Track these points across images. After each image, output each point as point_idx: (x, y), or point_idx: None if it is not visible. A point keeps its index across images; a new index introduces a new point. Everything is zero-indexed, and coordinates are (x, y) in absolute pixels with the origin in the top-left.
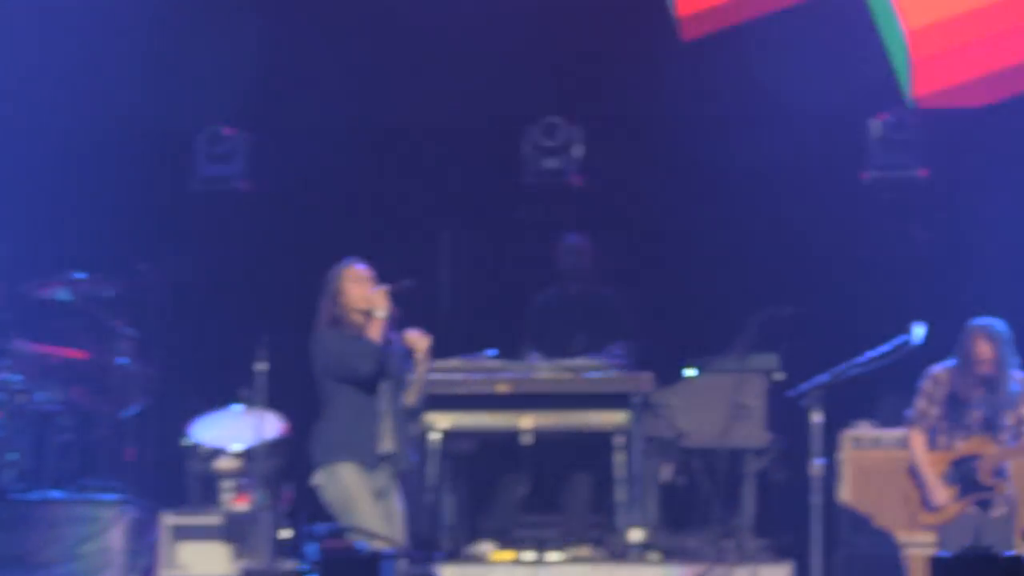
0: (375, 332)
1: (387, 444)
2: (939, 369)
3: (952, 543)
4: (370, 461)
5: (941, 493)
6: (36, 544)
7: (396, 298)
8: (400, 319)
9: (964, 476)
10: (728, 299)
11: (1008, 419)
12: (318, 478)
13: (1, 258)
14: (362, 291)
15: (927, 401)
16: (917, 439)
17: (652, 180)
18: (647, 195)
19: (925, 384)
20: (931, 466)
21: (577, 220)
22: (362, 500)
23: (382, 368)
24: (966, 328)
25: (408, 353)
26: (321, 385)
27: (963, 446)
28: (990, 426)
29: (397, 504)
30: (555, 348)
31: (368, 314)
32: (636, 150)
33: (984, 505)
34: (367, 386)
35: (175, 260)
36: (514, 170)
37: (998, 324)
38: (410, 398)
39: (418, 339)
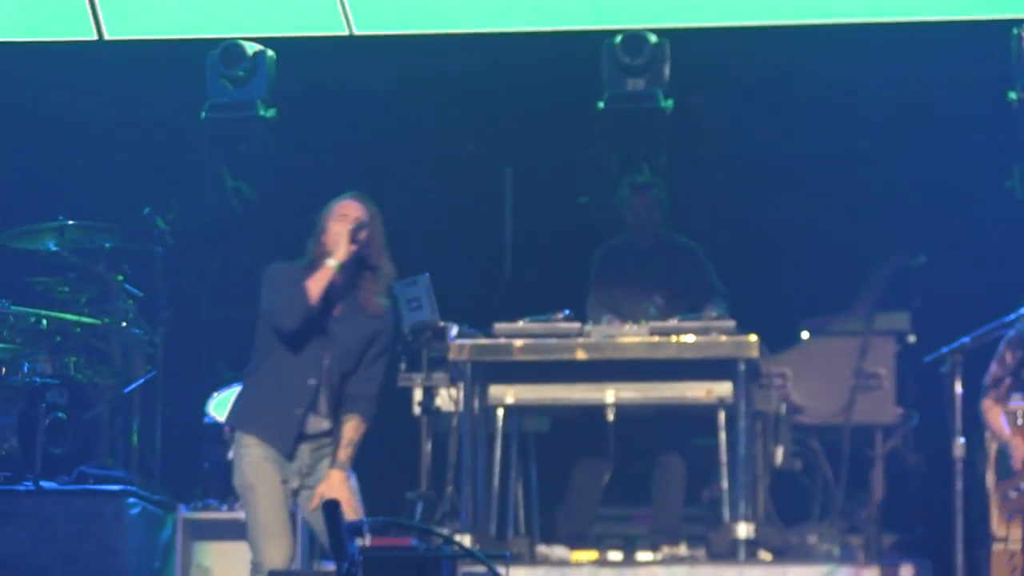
0: (316, 284)
1: (315, 423)
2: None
3: None
4: (285, 446)
5: None
6: (26, 545)
7: (362, 249)
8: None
9: None
10: (850, 247)
11: None
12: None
13: None
14: (341, 230)
15: (1000, 366)
16: (993, 408)
17: (753, 103)
18: (747, 122)
19: (1002, 348)
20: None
21: (667, 152)
22: (260, 492)
23: (307, 333)
24: None
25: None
26: (258, 326)
27: None
28: None
29: (326, 476)
30: (626, 310)
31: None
32: (735, 67)
33: None
34: (291, 346)
35: (186, 202)
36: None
37: None
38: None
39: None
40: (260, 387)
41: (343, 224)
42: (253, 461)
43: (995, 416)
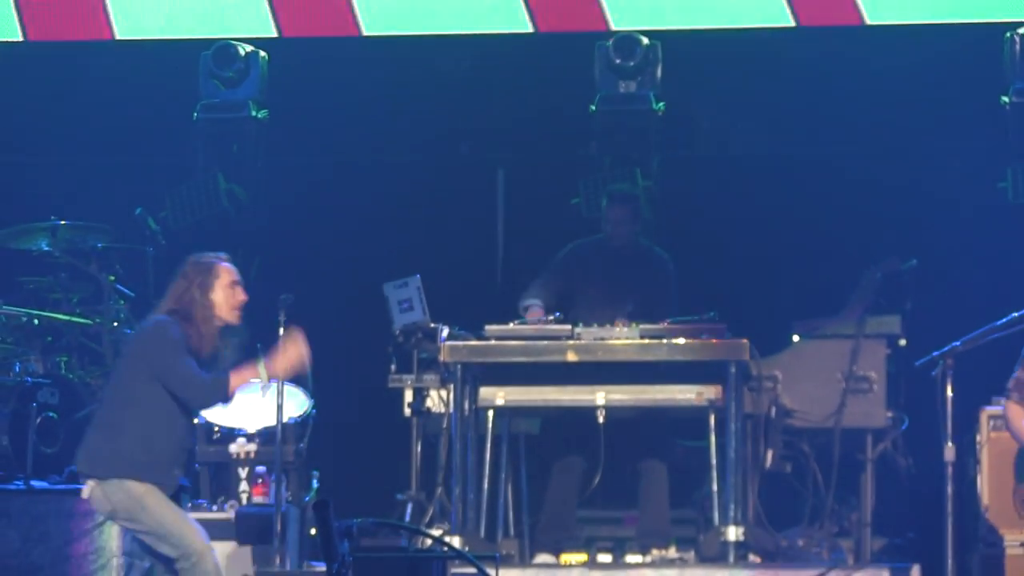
0: (237, 383)
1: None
2: None
3: None
4: (173, 489)
5: None
6: (17, 544)
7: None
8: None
9: None
10: (841, 250)
11: None
12: (99, 491)
13: None
14: (236, 301)
15: None
16: (1015, 411)
17: (745, 106)
18: (739, 125)
19: None
20: None
21: (658, 155)
22: (154, 496)
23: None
24: None
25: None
26: (138, 383)
27: None
28: None
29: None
30: (597, 311)
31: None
32: (723, 71)
33: None
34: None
35: (179, 204)
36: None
37: None
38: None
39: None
40: (146, 440)
41: (237, 291)
42: (145, 490)
43: (1017, 418)
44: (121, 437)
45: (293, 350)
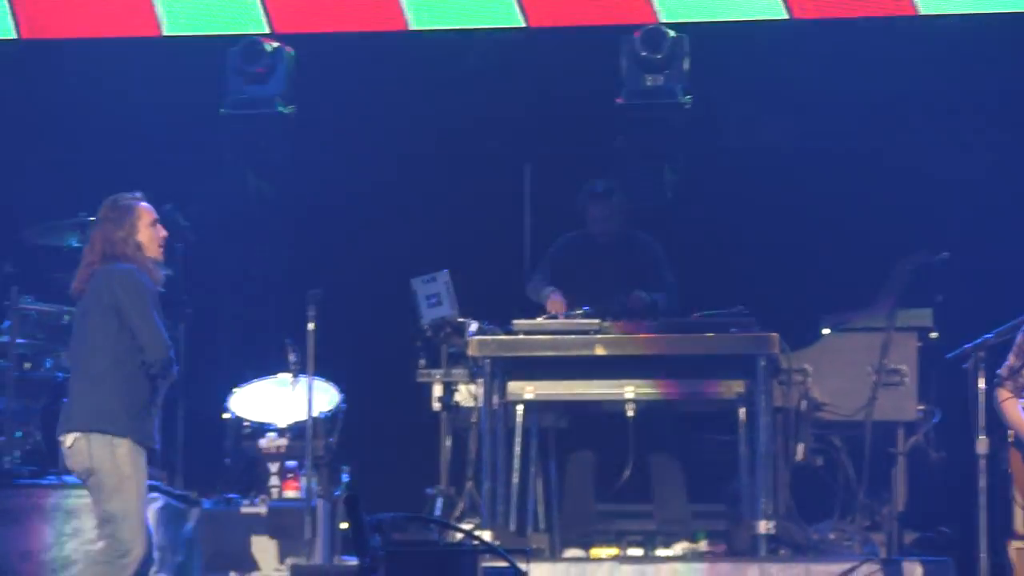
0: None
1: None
2: None
3: None
4: (149, 441)
5: None
6: (51, 539)
7: None
8: None
9: None
10: (872, 243)
11: None
12: (83, 443)
13: None
14: (160, 239)
15: (1017, 357)
16: (1006, 398)
17: (773, 99)
18: (766, 118)
19: (1020, 338)
20: None
21: (686, 148)
22: (137, 483)
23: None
24: None
25: None
26: (106, 329)
27: None
28: None
29: None
30: (582, 302)
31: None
32: (755, 62)
33: None
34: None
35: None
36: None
37: None
38: None
39: None
40: (123, 390)
41: (158, 228)
42: (130, 456)
43: (1012, 407)
44: (101, 387)
45: None
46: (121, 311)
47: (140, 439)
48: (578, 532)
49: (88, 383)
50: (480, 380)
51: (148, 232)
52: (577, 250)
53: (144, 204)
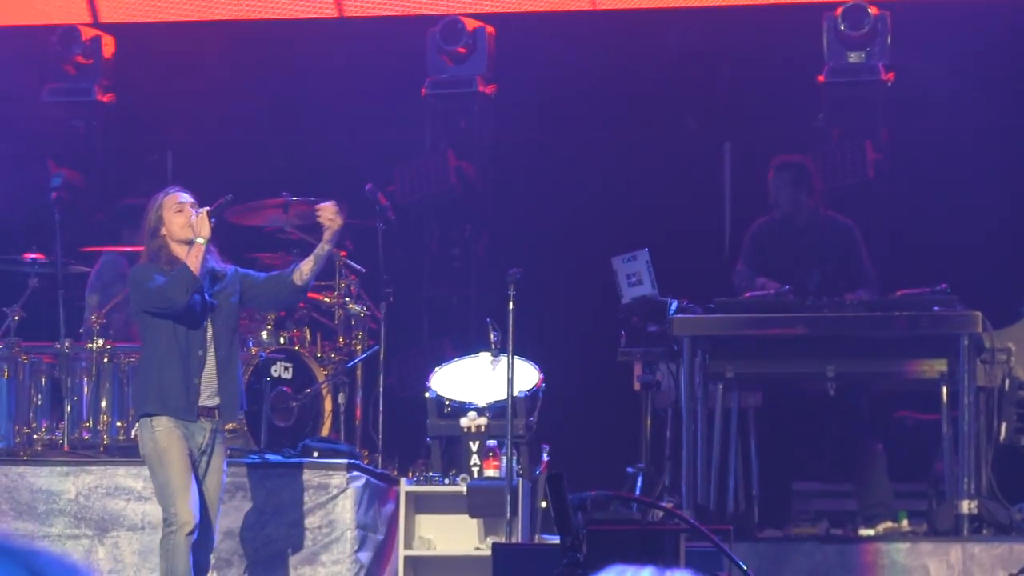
0: (194, 260)
1: (208, 397)
2: None
3: None
4: (187, 415)
5: None
6: (253, 517)
7: (218, 216)
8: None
9: None
10: None
11: None
12: (136, 431)
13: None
14: (184, 220)
15: None
16: None
17: (978, 77)
18: (969, 95)
19: None
20: None
21: (887, 126)
22: (173, 455)
23: (201, 300)
24: None
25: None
26: (138, 326)
27: None
28: None
29: (219, 463)
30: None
31: (190, 243)
32: (955, 41)
33: None
34: (186, 321)
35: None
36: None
37: None
38: (302, 275)
39: (330, 215)
40: (157, 371)
41: (184, 211)
42: (165, 431)
43: None
44: (138, 376)
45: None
46: (140, 308)
47: (179, 414)
48: (778, 511)
49: (135, 375)
50: (680, 359)
51: (170, 218)
52: (774, 235)
53: (169, 194)
